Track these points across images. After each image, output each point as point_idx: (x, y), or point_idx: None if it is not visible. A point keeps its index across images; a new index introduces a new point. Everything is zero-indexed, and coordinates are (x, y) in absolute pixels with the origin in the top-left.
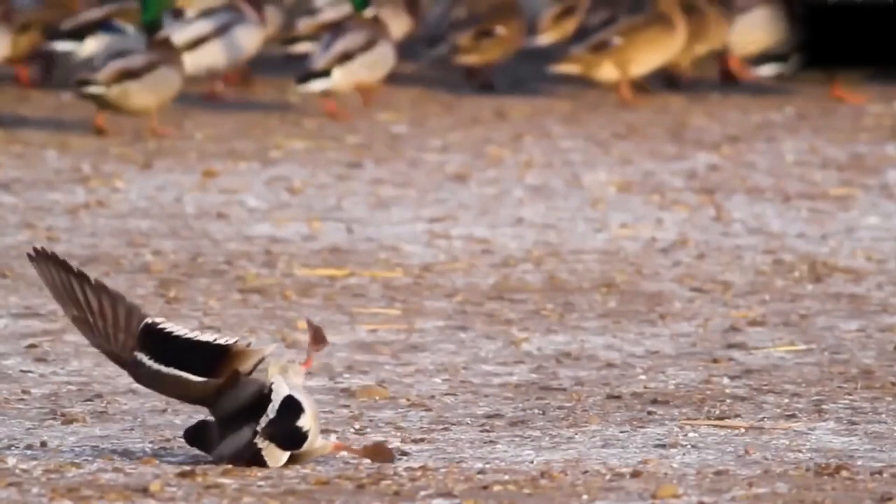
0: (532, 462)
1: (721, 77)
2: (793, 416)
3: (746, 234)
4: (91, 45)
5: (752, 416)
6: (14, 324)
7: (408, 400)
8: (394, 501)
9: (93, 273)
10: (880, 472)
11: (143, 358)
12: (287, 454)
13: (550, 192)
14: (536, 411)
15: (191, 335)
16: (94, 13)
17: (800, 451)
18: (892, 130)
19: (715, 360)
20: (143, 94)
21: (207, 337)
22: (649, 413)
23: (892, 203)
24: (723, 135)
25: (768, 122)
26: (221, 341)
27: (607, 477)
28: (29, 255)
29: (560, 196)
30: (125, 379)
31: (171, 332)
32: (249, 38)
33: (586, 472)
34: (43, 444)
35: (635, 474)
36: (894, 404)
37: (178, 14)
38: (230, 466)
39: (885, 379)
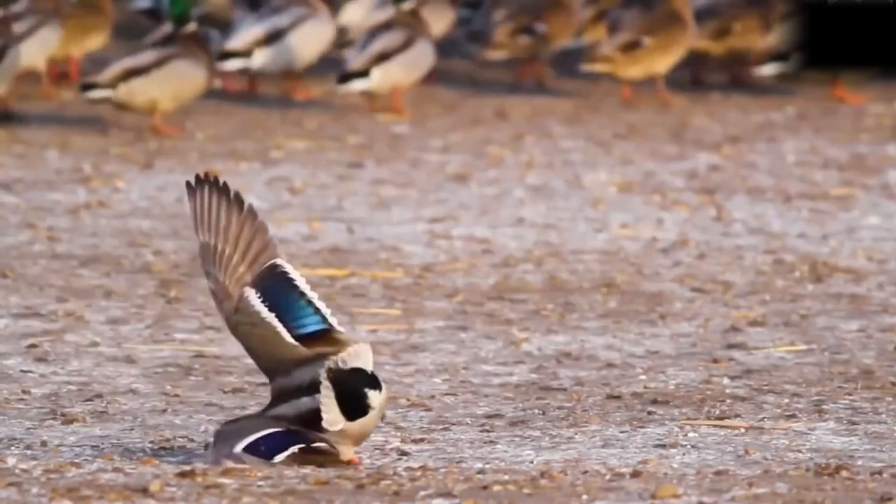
0: (532, 462)
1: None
2: (793, 416)
3: (747, 234)
4: None
5: (752, 416)
6: (14, 324)
7: (408, 400)
8: (394, 501)
9: (93, 273)
10: (880, 473)
11: (251, 295)
12: (342, 421)
13: (551, 193)
14: (536, 411)
15: (308, 294)
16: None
17: (800, 451)
18: (892, 130)
19: (715, 360)
20: (152, 91)
21: (321, 306)
22: (649, 413)
23: (892, 203)
24: (724, 135)
25: (769, 123)
26: (329, 318)
27: (607, 477)
28: (188, 183)
29: (561, 196)
30: (125, 379)
31: (291, 281)
32: (321, 34)
33: (586, 472)
34: (43, 444)
35: (635, 474)
36: (894, 404)
37: (254, 6)
38: (230, 466)
39: (886, 379)
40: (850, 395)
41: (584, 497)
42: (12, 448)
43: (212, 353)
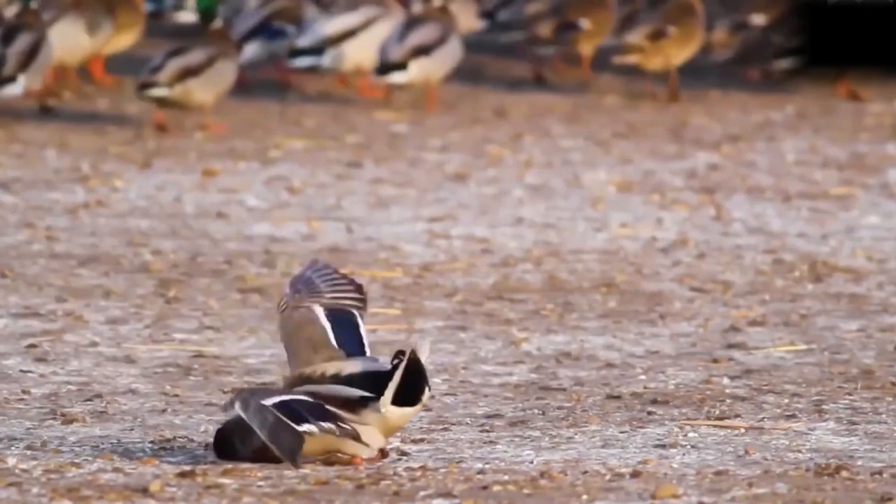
0: (532, 462)
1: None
2: (793, 416)
3: (746, 233)
4: (251, 50)
5: (752, 416)
6: (14, 324)
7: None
8: (394, 501)
9: (92, 273)
10: (880, 473)
11: (318, 308)
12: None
13: (550, 192)
14: (536, 411)
15: (365, 340)
16: (252, 19)
17: (800, 452)
18: (892, 130)
19: (715, 360)
20: (204, 91)
21: (368, 351)
22: (649, 413)
23: (892, 202)
24: (723, 134)
25: (769, 122)
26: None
27: (607, 477)
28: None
29: (560, 196)
30: (125, 379)
31: (358, 325)
32: (458, 51)
33: (586, 472)
34: (43, 444)
35: (635, 474)
36: (894, 404)
37: (323, 5)
38: (230, 466)
39: (886, 379)
40: (850, 395)
41: (584, 497)
42: (12, 448)
43: (211, 353)
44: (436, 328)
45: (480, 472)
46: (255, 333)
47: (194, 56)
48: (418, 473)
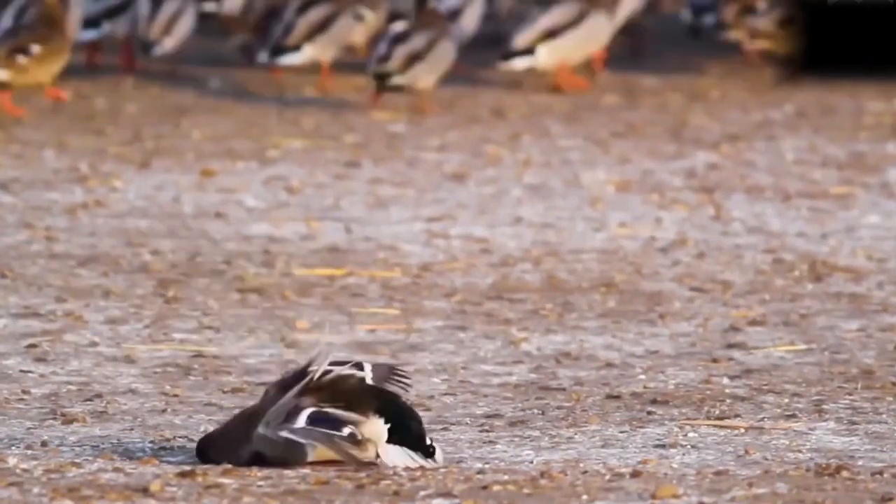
0: (532, 462)
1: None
2: (793, 416)
3: (746, 233)
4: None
5: (752, 416)
6: (13, 324)
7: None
8: (393, 501)
9: (91, 273)
10: (881, 473)
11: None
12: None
13: (549, 192)
14: (536, 411)
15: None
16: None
17: (800, 452)
18: (892, 129)
19: (715, 360)
20: (429, 74)
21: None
22: (649, 413)
23: (892, 202)
24: (722, 133)
25: (768, 121)
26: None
27: (607, 477)
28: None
29: (559, 195)
30: (125, 379)
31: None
32: (603, 30)
33: (586, 472)
34: (43, 444)
35: (635, 474)
36: (895, 404)
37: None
38: (230, 466)
39: (886, 379)
40: (850, 394)
41: (584, 497)
42: (13, 448)
43: (211, 353)
44: (435, 328)
45: (480, 472)
46: (254, 333)
47: (417, 41)
48: (418, 473)
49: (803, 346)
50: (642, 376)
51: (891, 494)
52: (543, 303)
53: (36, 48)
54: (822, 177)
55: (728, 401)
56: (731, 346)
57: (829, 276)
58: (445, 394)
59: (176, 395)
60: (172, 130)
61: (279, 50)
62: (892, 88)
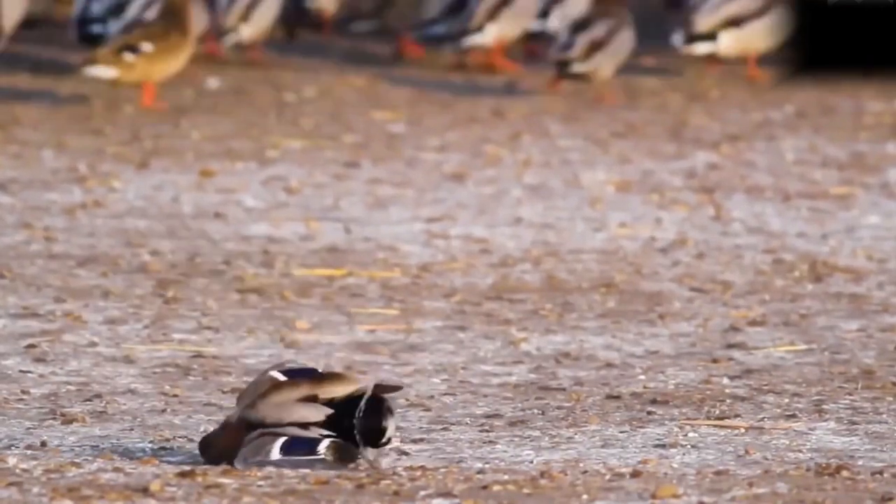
0: (532, 462)
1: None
2: (793, 416)
3: (746, 233)
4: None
5: (752, 416)
6: (13, 324)
7: (407, 400)
8: (393, 501)
9: (90, 273)
10: (881, 473)
11: None
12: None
13: (549, 192)
14: (536, 411)
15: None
16: None
17: (800, 451)
18: (892, 129)
19: (715, 360)
20: (610, 63)
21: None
22: (649, 413)
23: (892, 202)
24: (722, 133)
25: (768, 121)
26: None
27: (607, 477)
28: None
29: (558, 195)
30: (124, 379)
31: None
32: (782, 25)
33: (586, 472)
34: (43, 444)
35: (635, 474)
36: (895, 404)
37: None
38: (230, 466)
39: (886, 379)
40: (850, 394)
41: (584, 497)
42: (12, 448)
43: (210, 353)
44: (435, 328)
45: (480, 471)
46: (253, 333)
47: (598, 29)
48: (418, 473)
49: (803, 347)
50: (642, 376)
51: (891, 494)
52: (543, 303)
53: (147, 46)
54: (822, 177)
55: (728, 401)
56: (731, 346)
57: (829, 277)
58: (445, 394)
59: (175, 396)
60: (171, 130)
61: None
62: (892, 88)
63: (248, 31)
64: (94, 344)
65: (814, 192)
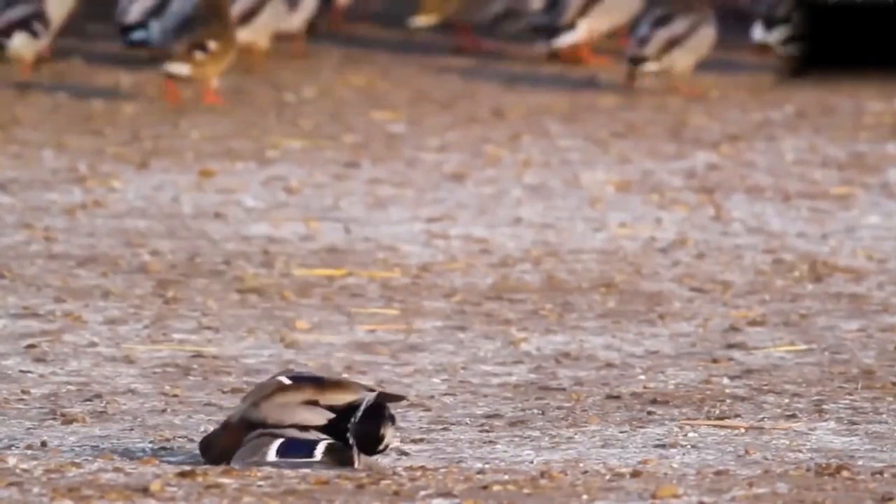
0: (532, 462)
1: None
2: (793, 416)
3: (746, 233)
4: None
5: (752, 416)
6: (13, 324)
7: (407, 400)
8: (393, 501)
9: (90, 273)
10: (881, 473)
11: None
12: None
13: (549, 192)
14: (536, 411)
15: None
16: None
17: (800, 451)
18: (892, 129)
19: (715, 360)
20: (686, 58)
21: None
22: (649, 413)
23: (892, 202)
24: (722, 133)
25: (768, 121)
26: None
27: (607, 477)
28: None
29: (558, 195)
30: (124, 379)
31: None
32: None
33: (586, 472)
34: (43, 444)
35: (635, 474)
36: (895, 404)
37: None
38: (230, 466)
39: (886, 379)
40: (850, 394)
41: (584, 497)
42: (13, 448)
43: (210, 353)
44: (435, 328)
45: (480, 472)
46: (253, 333)
47: (678, 25)
48: (418, 473)
49: (803, 347)
50: (642, 376)
51: (891, 494)
52: (543, 303)
53: (213, 44)
54: (822, 177)
55: (728, 401)
56: (731, 346)
57: (829, 277)
58: (445, 394)
59: (175, 396)
60: (171, 130)
61: (555, 30)
62: (892, 88)
63: (297, 20)
64: (94, 344)
65: (814, 192)
